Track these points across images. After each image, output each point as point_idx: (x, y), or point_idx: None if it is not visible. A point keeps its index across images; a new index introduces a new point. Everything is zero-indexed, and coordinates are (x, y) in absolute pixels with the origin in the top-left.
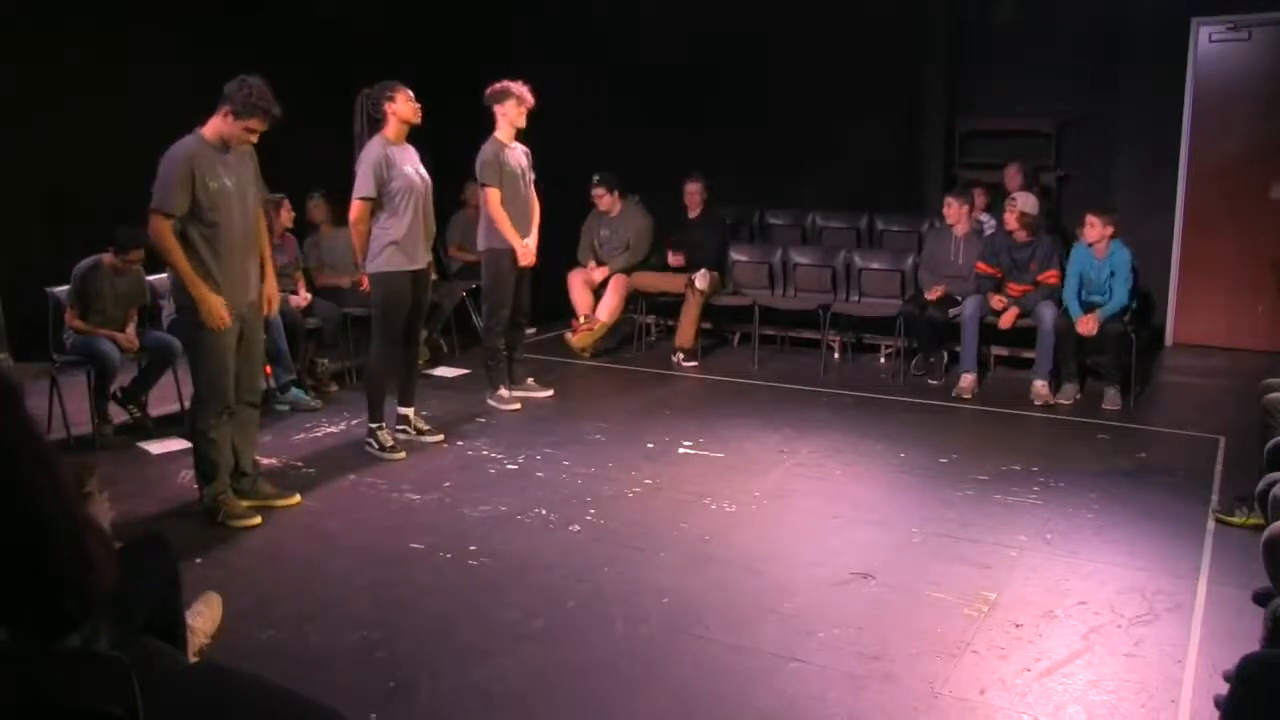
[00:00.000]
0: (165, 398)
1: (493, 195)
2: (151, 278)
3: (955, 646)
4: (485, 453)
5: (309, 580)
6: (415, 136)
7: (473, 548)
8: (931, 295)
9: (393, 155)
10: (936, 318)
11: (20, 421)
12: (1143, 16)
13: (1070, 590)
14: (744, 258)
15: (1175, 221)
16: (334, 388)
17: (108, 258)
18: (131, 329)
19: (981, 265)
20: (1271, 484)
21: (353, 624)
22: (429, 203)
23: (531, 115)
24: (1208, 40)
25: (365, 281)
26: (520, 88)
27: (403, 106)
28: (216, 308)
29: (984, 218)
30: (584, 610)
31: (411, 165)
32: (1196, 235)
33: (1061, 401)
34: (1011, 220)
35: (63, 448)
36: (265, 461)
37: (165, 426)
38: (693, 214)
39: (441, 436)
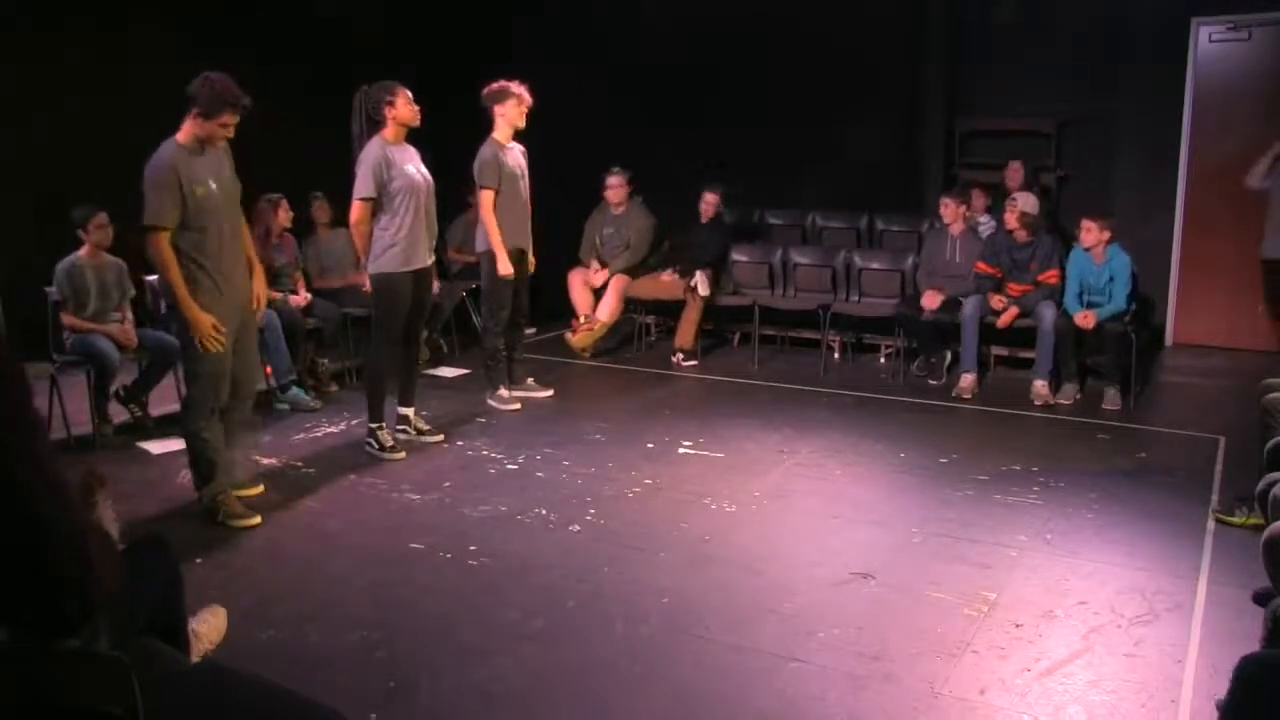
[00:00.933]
0: (165, 397)
1: (487, 198)
2: (150, 278)
3: (955, 646)
4: (485, 453)
5: (309, 580)
6: (415, 137)
7: (473, 548)
8: (931, 304)
9: (392, 155)
10: (941, 319)
11: (18, 422)
12: (1143, 16)
13: (1070, 590)
14: (744, 258)
15: (1175, 221)
16: (334, 388)
17: (84, 250)
18: (129, 324)
19: (981, 265)
20: (1271, 484)
21: (353, 624)
22: (431, 203)
23: (531, 115)
24: (1208, 40)
25: (365, 281)
26: (520, 88)
27: (402, 110)
28: (208, 329)
29: (983, 218)
30: (584, 610)
31: (413, 165)
32: (1196, 235)
33: (1061, 401)
34: (1012, 220)
35: (63, 448)
36: (265, 461)
37: (165, 426)
38: (704, 220)
39: (441, 436)
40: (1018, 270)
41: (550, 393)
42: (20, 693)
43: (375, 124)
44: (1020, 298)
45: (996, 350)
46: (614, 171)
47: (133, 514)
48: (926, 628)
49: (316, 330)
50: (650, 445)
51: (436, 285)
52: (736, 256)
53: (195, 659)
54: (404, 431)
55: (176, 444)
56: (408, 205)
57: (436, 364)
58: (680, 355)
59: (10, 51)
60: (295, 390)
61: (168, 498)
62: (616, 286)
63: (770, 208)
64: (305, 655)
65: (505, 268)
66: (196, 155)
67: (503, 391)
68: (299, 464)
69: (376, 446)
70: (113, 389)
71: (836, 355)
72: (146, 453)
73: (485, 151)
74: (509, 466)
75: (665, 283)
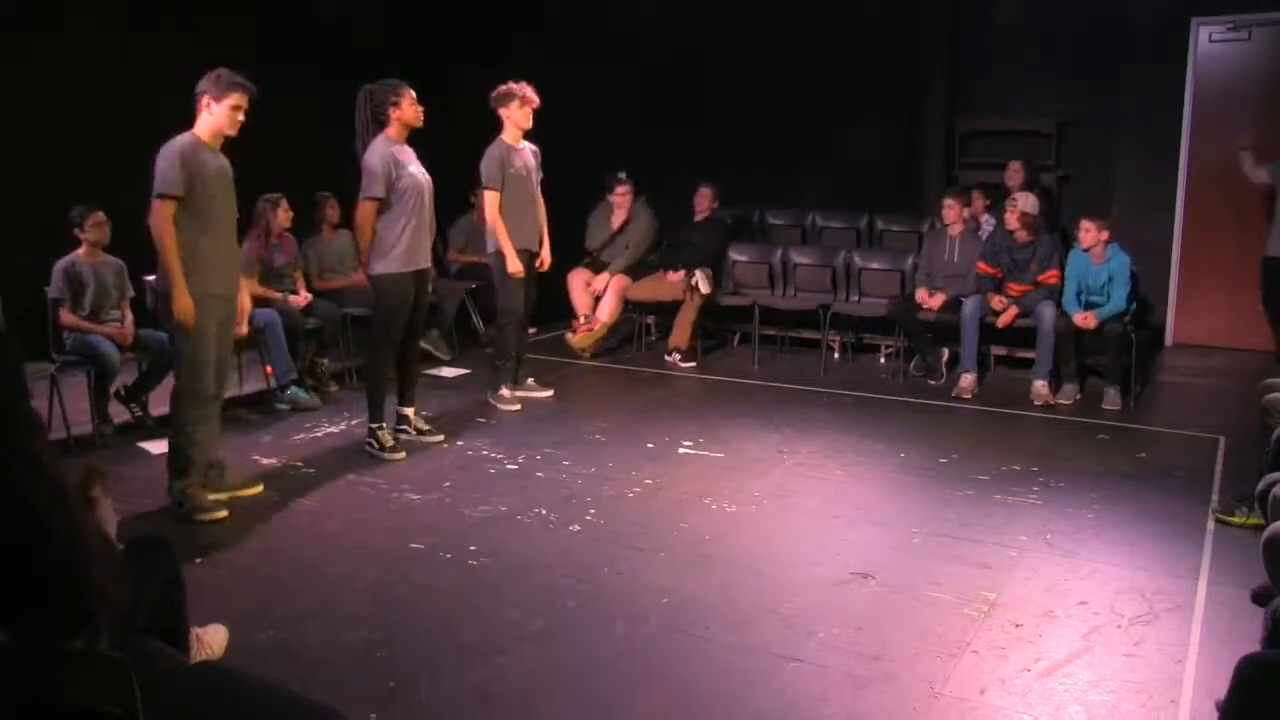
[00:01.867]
0: (166, 397)
1: (491, 199)
2: (149, 278)
3: (955, 646)
4: (485, 453)
5: (309, 580)
6: (416, 137)
7: (473, 548)
8: (933, 303)
9: (398, 155)
10: (941, 319)
11: (14, 421)
12: (1143, 16)
13: (1070, 590)
14: (744, 258)
15: (1175, 221)
16: (334, 388)
17: (81, 249)
18: (129, 323)
19: (982, 265)
20: (1271, 484)
21: (353, 624)
22: (431, 202)
23: (533, 115)
24: (1208, 40)
25: (363, 278)
26: (524, 88)
27: (407, 110)
28: (188, 310)
29: (983, 218)
30: (584, 610)
31: (415, 165)
32: (1196, 235)
33: (1061, 401)
34: (1012, 220)
35: (63, 448)
36: (265, 461)
37: (165, 426)
38: (698, 218)
39: (442, 436)
40: (1018, 270)
41: (550, 393)
42: (20, 693)
43: (379, 123)
44: (1020, 298)
45: (996, 350)
46: (620, 179)
47: (133, 514)
48: (926, 628)
49: (316, 330)
50: (650, 445)
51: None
52: (736, 256)
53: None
54: (404, 431)
55: None
56: (412, 206)
57: (436, 364)
58: (676, 355)
59: (10, 51)
60: (295, 390)
61: (168, 498)
62: (616, 287)
63: (770, 208)
64: (305, 655)
65: (515, 266)
66: (208, 149)
67: (504, 391)
68: (299, 464)
69: (377, 446)
70: (113, 389)
71: (836, 355)
72: (146, 453)
73: (491, 152)
74: (509, 466)
75: (665, 283)
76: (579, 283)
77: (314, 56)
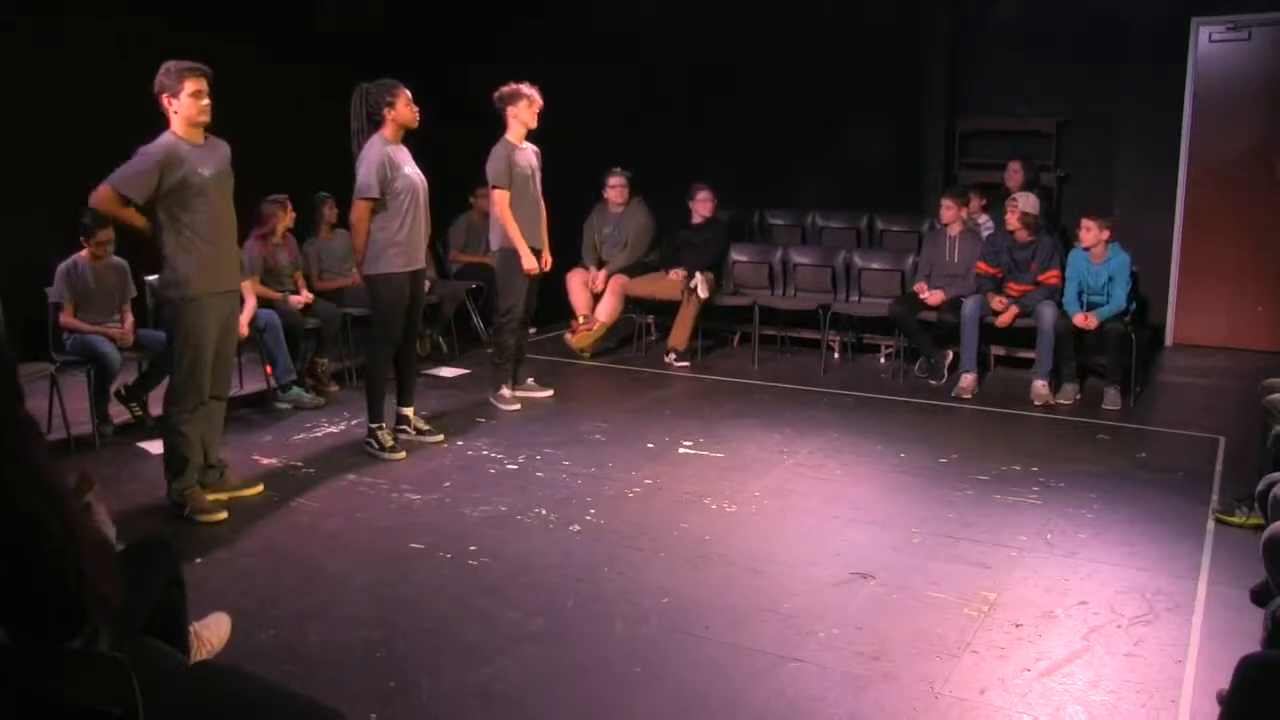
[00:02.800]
0: None
1: (501, 197)
2: (150, 278)
3: (955, 646)
4: (485, 453)
5: (309, 580)
6: (415, 137)
7: (473, 548)
8: (932, 300)
9: (394, 155)
10: (941, 319)
11: (6, 421)
12: (1143, 16)
13: (1070, 590)
14: (744, 258)
15: (1175, 221)
16: (334, 387)
17: (84, 252)
18: (129, 323)
19: (982, 265)
20: (1271, 484)
21: (353, 624)
22: (427, 202)
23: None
24: (1208, 40)
25: (357, 277)
26: (531, 89)
27: (402, 111)
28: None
29: (982, 219)
30: (584, 610)
31: (411, 165)
32: (1196, 235)
33: (1061, 401)
34: (1013, 220)
35: (63, 448)
36: (265, 461)
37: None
38: (696, 220)
39: (441, 436)
40: (1018, 270)
41: (550, 393)
42: (20, 693)
43: (375, 123)
44: (1020, 298)
45: (996, 350)
46: (615, 172)
47: (133, 514)
48: (926, 628)
49: (317, 330)
50: (650, 445)
51: (428, 285)
52: (736, 256)
53: (196, 660)
54: (404, 431)
55: None
56: (407, 206)
57: (437, 364)
58: (673, 355)
59: (11, 51)
60: (296, 390)
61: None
62: (615, 287)
63: (770, 208)
64: (305, 655)
65: (530, 263)
66: (194, 145)
67: (505, 391)
68: (299, 464)
69: (376, 446)
70: (113, 389)
71: (836, 355)
72: (146, 453)
73: (497, 152)
74: (509, 466)
75: (667, 281)
76: (578, 283)
77: (314, 56)
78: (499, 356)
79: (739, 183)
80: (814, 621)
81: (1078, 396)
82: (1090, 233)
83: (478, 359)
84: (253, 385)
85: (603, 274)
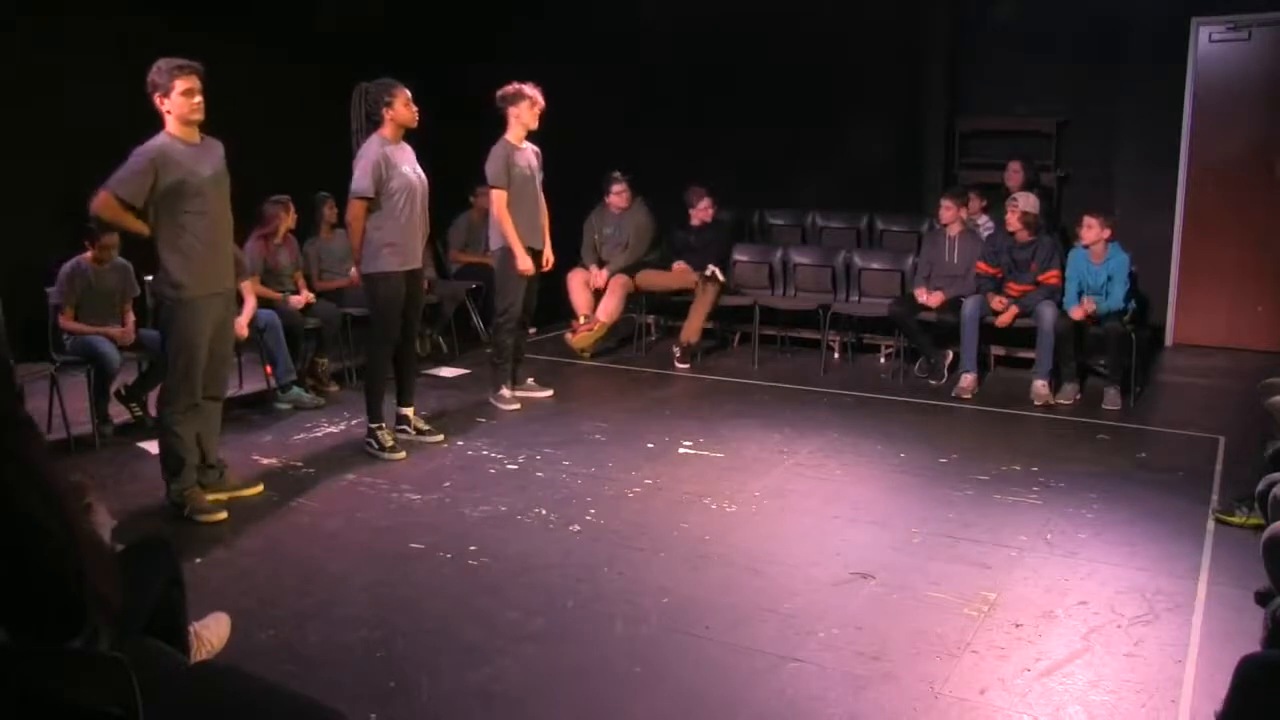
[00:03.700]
0: None
1: (499, 197)
2: (150, 278)
3: (955, 646)
4: (485, 453)
5: (309, 580)
6: (415, 137)
7: (473, 548)
8: (932, 301)
9: (391, 155)
10: (941, 319)
11: (4, 423)
12: (1143, 16)
13: (1070, 590)
14: (744, 258)
15: (1175, 221)
16: (334, 387)
17: (88, 254)
18: (130, 323)
19: (982, 265)
20: (1271, 484)
21: (353, 624)
22: (425, 202)
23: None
24: (1208, 40)
25: (356, 277)
26: (533, 90)
27: (401, 111)
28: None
29: (981, 219)
30: (584, 610)
31: (409, 165)
32: (1196, 235)
33: (1061, 401)
34: (1013, 220)
35: (63, 448)
36: (265, 461)
37: None
38: (694, 222)
39: (441, 436)
40: (1018, 270)
41: (550, 393)
42: (20, 693)
43: (374, 123)
44: (1020, 298)
45: (996, 350)
46: (616, 178)
47: (133, 514)
48: (926, 628)
49: (316, 330)
50: (650, 445)
51: (427, 284)
52: (737, 256)
53: (196, 660)
54: (404, 431)
55: None
56: (403, 205)
57: (437, 364)
58: (679, 351)
59: (12, 51)
60: (296, 390)
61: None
62: (616, 287)
63: (770, 208)
64: (305, 655)
65: (525, 264)
66: (189, 145)
67: (505, 391)
68: (299, 464)
69: (376, 446)
70: (113, 389)
71: (836, 355)
72: (146, 453)
73: (496, 152)
74: (509, 466)
75: (675, 273)
76: (578, 283)
77: (314, 56)
78: (498, 356)
79: (739, 183)
80: (814, 621)
81: (1078, 396)
82: (1092, 230)
83: (478, 359)
84: (253, 385)
85: (604, 271)
